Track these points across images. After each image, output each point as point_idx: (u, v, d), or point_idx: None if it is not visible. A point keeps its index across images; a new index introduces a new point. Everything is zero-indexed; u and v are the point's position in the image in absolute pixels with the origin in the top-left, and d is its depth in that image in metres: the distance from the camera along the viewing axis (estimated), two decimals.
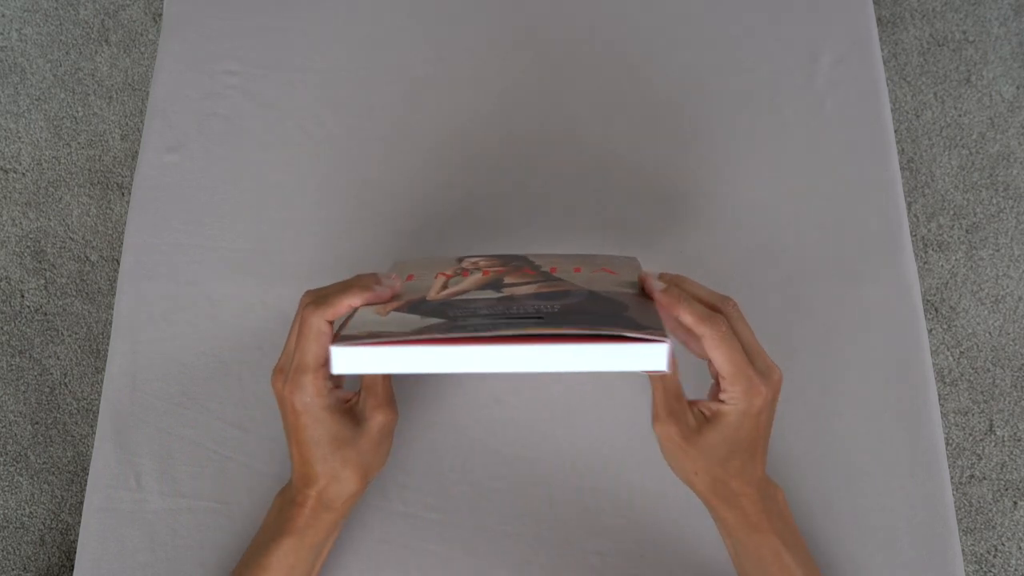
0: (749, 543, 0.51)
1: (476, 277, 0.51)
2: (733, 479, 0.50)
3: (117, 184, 1.39)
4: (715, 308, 0.48)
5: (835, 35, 0.71)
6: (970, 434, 1.27)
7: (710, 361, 0.48)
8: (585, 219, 0.65)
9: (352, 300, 0.47)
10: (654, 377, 0.50)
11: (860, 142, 0.68)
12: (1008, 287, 1.34)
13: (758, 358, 0.48)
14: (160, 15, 1.46)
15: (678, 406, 0.49)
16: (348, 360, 0.44)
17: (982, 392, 1.29)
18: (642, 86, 0.70)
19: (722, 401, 0.48)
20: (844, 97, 0.69)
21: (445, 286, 0.50)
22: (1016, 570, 1.21)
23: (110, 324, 0.69)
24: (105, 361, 0.72)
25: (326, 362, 0.48)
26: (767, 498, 0.51)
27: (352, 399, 0.51)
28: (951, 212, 1.38)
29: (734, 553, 0.52)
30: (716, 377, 0.49)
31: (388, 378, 0.51)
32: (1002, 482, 1.25)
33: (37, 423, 1.26)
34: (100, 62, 1.46)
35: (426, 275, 0.52)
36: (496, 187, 0.66)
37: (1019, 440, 1.27)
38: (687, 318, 0.47)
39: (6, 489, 1.23)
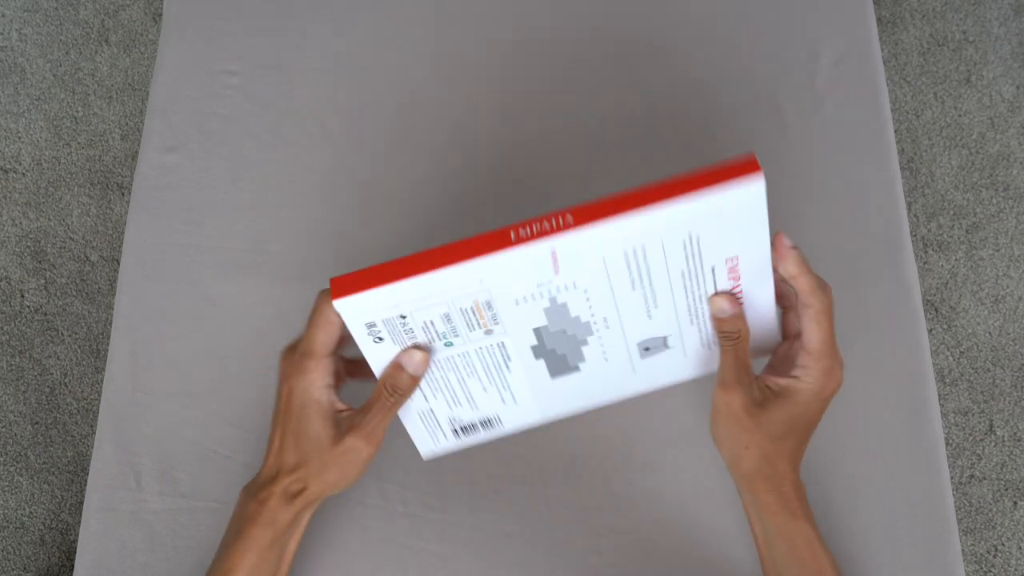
0: (785, 529, 0.50)
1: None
2: (782, 461, 0.50)
3: (117, 184, 1.39)
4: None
5: (835, 35, 0.71)
6: (970, 434, 1.27)
7: (796, 335, 0.50)
8: None
9: None
10: (726, 343, 0.49)
11: (860, 142, 0.68)
12: (1008, 287, 1.34)
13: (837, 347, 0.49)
14: (160, 15, 1.46)
15: (746, 377, 0.50)
16: (354, 309, 0.46)
17: (982, 392, 1.29)
18: (642, 86, 0.70)
19: (796, 377, 0.49)
20: (844, 97, 0.69)
21: None
22: (1016, 570, 1.21)
23: (110, 324, 0.69)
24: (105, 361, 0.72)
25: (332, 352, 0.49)
26: (802, 487, 0.51)
27: (345, 411, 0.50)
28: (951, 212, 1.38)
29: (764, 541, 0.52)
30: (792, 354, 0.50)
31: (386, 418, 0.50)
32: (1002, 482, 1.25)
33: (37, 423, 1.26)
34: (100, 62, 1.46)
35: None
36: (496, 187, 0.66)
37: (1019, 440, 1.27)
38: (804, 282, 0.47)
39: (6, 489, 1.23)
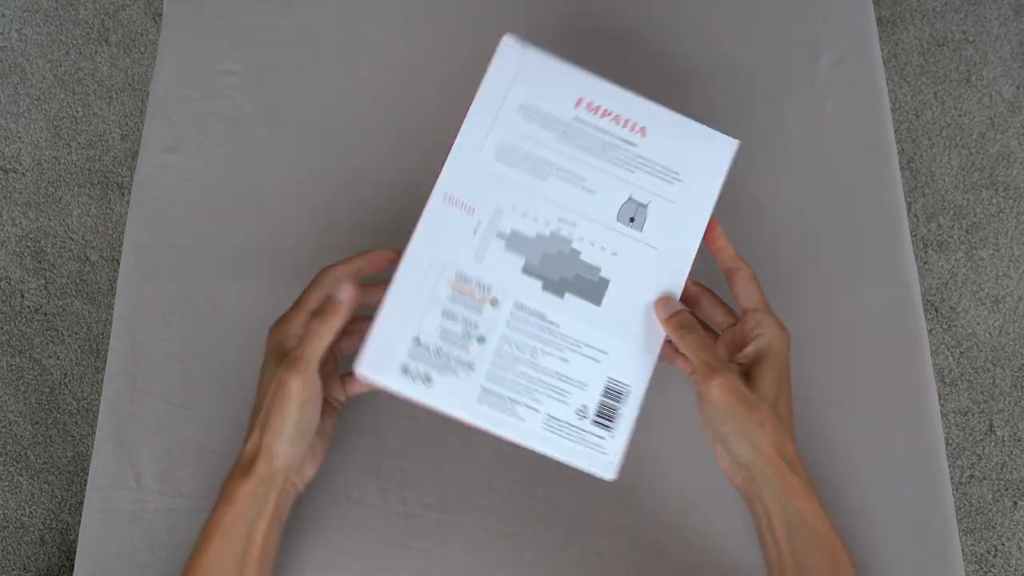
0: (810, 515, 0.49)
1: None
2: (789, 437, 0.50)
3: (117, 184, 1.39)
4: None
5: (835, 35, 0.71)
6: (970, 434, 1.27)
7: (732, 324, 0.54)
8: None
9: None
10: (687, 336, 0.51)
11: (860, 142, 0.68)
12: (1008, 287, 1.34)
13: None
14: (160, 15, 1.46)
15: (722, 359, 0.51)
16: (380, 369, 0.50)
17: (982, 392, 1.29)
18: (642, 86, 0.70)
19: (760, 335, 0.52)
20: (844, 97, 0.69)
21: None
22: (1016, 570, 1.21)
23: (110, 324, 0.69)
24: (105, 361, 0.72)
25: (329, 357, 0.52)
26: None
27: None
28: (951, 212, 1.38)
29: (785, 532, 0.49)
30: (738, 331, 0.53)
31: (314, 341, 0.50)
32: (1002, 482, 1.25)
33: (37, 423, 1.26)
34: (100, 62, 1.46)
35: None
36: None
37: (1019, 440, 1.27)
38: (728, 251, 0.55)
39: (6, 489, 1.23)
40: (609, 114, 0.55)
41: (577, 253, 0.52)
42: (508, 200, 0.53)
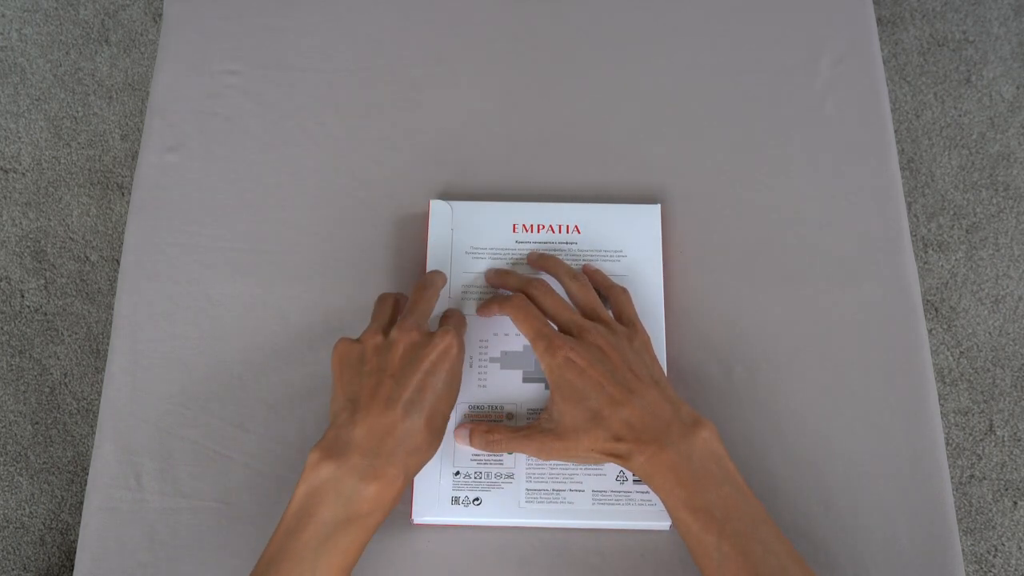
0: (760, 534, 0.49)
1: None
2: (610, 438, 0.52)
3: (117, 184, 1.39)
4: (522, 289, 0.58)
5: (835, 35, 0.71)
6: (970, 434, 1.27)
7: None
8: None
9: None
10: (527, 430, 0.55)
11: (860, 142, 0.68)
12: (1008, 287, 1.34)
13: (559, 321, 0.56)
14: (160, 15, 1.46)
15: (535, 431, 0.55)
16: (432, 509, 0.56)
17: (982, 392, 1.29)
18: (642, 86, 0.70)
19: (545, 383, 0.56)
20: (844, 97, 0.69)
21: None
22: (1016, 570, 1.21)
23: (110, 324, 0.69)
24: (105, 361, 0.72)
25: None
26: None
27: None
28: (951, 212, 1.38)
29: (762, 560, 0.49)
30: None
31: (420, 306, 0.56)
32: (1002, 482, 1.25)
33: (37, 423, 1.26)
34: (100, 62, 1.46)
35: None
36: (496, 188, 0.66)
37: (1019, 440, 1.27)
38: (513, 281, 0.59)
39: (6, 489, 1.23)
40: (543, 227, 0.62)
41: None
42: (489, 330, 0.59)
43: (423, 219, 0.64)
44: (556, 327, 0.56)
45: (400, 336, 0.52)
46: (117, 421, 0.60)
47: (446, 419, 0.53)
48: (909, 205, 1.38)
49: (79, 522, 0.60)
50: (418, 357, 0.51)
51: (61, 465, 1.25)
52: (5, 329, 1.31)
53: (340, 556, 0.47)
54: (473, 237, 0.62)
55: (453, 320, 0.56)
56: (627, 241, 0.62)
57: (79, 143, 1.41)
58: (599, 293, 0.59)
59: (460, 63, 0.71)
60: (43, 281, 1.33)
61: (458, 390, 0.54)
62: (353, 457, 0.47)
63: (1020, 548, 1.22)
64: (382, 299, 0.57)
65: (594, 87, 0.70)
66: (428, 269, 0.61)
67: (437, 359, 0.52)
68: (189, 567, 0.56)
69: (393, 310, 0.56)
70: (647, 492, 0.55)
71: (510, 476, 0.56)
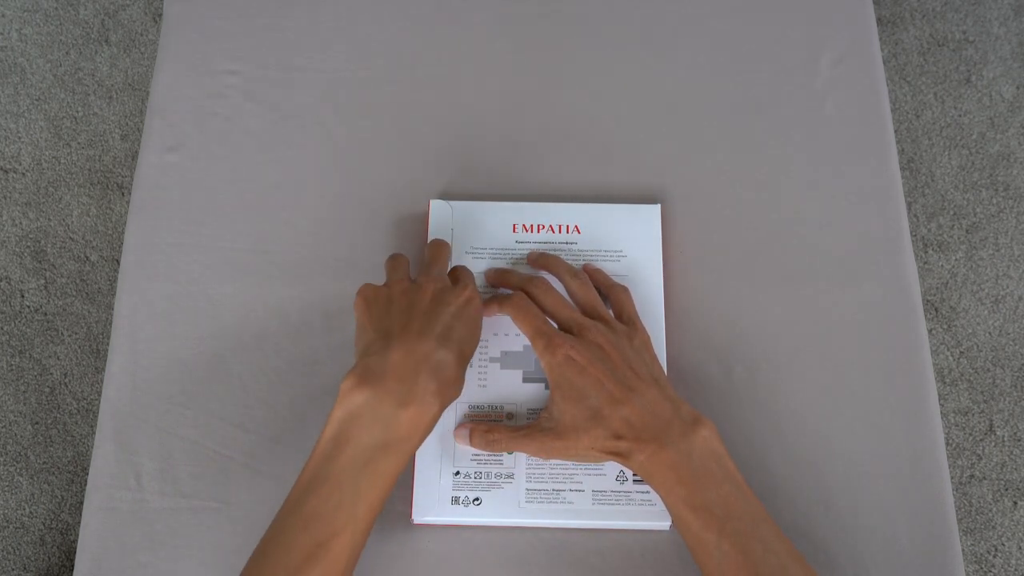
0: (761, 533, 0.49)
1: None
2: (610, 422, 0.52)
3: (117, 184, 1.39)
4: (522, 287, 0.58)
5: (835, 35, 0.71)
6: (970, 434, 1.27)
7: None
8: None
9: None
10: (525, 428, 0.55)
11: (860, 142, 0.68)
12: (1008, 287, 1.34)
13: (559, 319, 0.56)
14: (160, 15, 1.46)
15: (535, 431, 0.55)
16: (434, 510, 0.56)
17: (982, 392, 1.29)
18: (642, 86, 0.70)
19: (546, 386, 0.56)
20: (844, 97, 0.69)
21: None
22: (1016, 570, 1.21)
23: (110, 324, 0.69)
24: (105, 361, 0.72)
25: None
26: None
27: None
28: (951, 212, 1.38)
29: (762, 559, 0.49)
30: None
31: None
32: (1002, 482, 1.25)
33: (37, 423, 1.26)
34: (100, 62, 1.46)
35: None
36: (496, 188, 0.66)
37: (1019, 440, 1.27)
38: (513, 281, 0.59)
39: (6, 489, 1.23)
40: (543, 227, 0.62)
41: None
42: (489, 330, 0.59)
43: (423, 219, 0.64)
44: (556, 325, 0.56)
45: (427, 282, 0.54)
46: (117, 421, 0.60)
47: (466, 364, 0.52)
48: (909, 205, 1.38)
49: (79, 522, 0.60)
50: (445, 300, 0.52)
51: (61, 465, 1.25)
52: (5, 329, 1.31)
53: (380, 479, 0.47)
54: (473, 237, 0.62)
55: (464, 275, 0.57)
56: (627, 241, 0.62)
57: (79, 143, 1.41)
58: (600, 292, 0.59)
59: (460, 63, 0.71)
60: (43, 281, 1.33)
61: (478, 342, 0.54)
62: (389, 382, 0.48)
63: (1020, 548, 1.22)
64: (396, 256, 0.59)
65: (594, 87, 0.70)
66: None
67: (463, 304, 0.53)
68: (189, 567, 0.56)
69: (408, 267, 0.58)
70: (647, 492, 0.55)
71: (510, 476, 0.56)
